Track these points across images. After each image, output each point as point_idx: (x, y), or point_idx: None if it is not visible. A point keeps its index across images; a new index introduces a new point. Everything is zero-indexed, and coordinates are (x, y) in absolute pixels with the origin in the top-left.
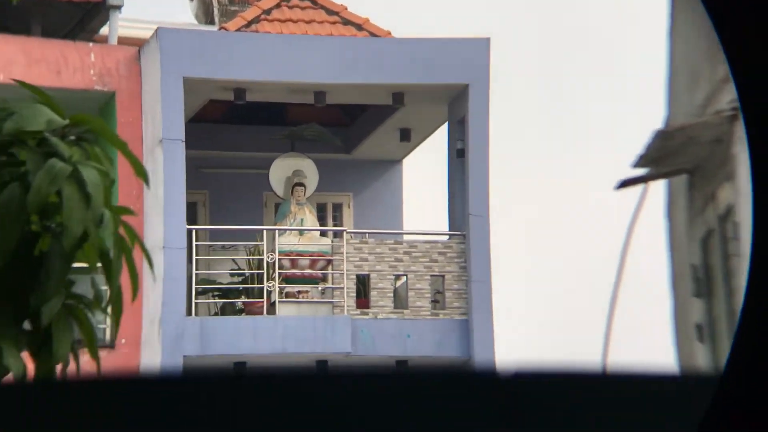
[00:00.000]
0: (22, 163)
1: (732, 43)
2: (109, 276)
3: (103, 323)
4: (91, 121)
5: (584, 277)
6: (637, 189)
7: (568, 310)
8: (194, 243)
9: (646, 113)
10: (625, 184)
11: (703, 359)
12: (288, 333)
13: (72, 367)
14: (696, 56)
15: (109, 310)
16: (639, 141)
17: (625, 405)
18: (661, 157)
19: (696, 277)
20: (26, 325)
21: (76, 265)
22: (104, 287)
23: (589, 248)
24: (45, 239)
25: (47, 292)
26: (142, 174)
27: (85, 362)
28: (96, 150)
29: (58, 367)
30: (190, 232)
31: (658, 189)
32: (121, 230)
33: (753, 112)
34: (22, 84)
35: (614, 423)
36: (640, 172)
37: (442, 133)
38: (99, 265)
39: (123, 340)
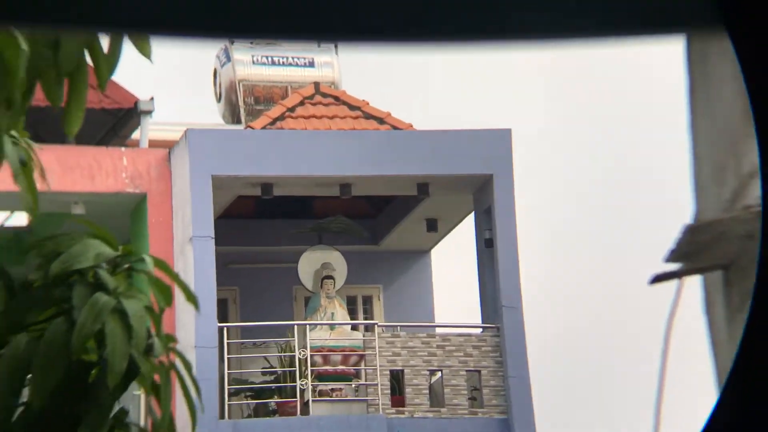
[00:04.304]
0: (70, 297)
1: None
2: (159, 403)
3: None
4: (139, 253)
5: (626, 370)
6: (671, 284)
7: (610, 407)
8: (225, 341)
9: (678, 204)
10: (659, 279)
11: None
12: None
13: None
14: (719, 150)
15: None
16: (673, 232)
17: None
18: (692, 252)
19: None
20: None
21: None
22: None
23: (629, 343)
24: (97, 369)
25: (94, 423)
26: (192, 300)
27: None
28: (146, 278)
29: None
30: (221, 329)
31: (694, 284)
32: (173, 357)
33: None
34: (78, 219)
35: None
36: (673, 266)
37: (469, 222)
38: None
39: None
